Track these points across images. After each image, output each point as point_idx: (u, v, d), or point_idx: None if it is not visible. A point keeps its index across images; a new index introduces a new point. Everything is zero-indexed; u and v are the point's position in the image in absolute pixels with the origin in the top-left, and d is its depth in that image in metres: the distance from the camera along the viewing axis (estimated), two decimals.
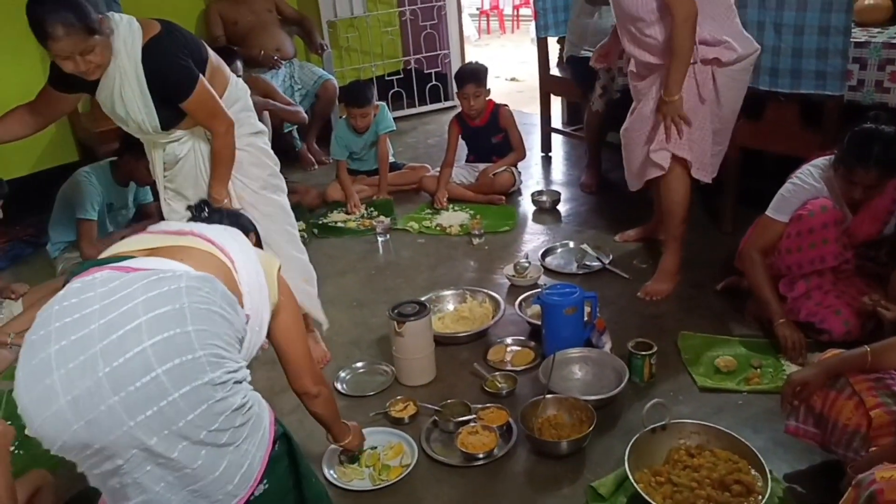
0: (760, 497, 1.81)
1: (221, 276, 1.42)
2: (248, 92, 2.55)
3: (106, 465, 1.26)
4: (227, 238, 1.54)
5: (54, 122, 2.56)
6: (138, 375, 1.21)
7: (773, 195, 2.55)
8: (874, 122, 2.30)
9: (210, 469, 1.30)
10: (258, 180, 2.52)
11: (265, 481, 1.39)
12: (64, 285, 1.37)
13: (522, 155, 4.09)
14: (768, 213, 2.53)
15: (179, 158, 2.44)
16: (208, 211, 1.71)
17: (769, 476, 1.86)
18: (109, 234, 3.52)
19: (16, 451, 2.37)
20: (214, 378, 1.27)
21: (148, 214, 3.71)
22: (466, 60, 5.92)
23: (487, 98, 3.97)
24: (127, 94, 2.24)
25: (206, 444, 1.28)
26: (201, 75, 2.29)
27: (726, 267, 2.97)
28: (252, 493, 1.37)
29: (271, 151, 2.60)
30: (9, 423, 2.44)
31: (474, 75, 3.91)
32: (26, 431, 1.26)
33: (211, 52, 2.41)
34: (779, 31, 2.85)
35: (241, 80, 2.54)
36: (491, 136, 4.05)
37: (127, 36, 2.18)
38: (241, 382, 1.35)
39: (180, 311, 1.27)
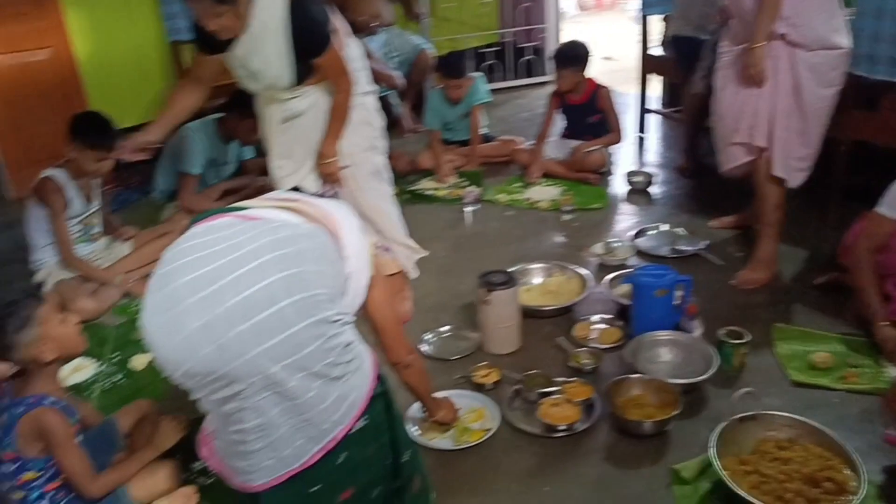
0: (853, 497, 1.76)
1: (330, 236, 1.49)
2: (362, 52, 2.59)
3: (225, 391, 1.34)
4: (333, 206, 1.62)
5: (214, 84, 2.65)
6: (265, 306, 1.29)
7: (883, 190, 2.44)
8: None
9: (320, 399, 1.37)
10: (365, 139, 2.58)
11: (365, 416, 1.47)
12: (188, 228, 1.46)
13: (619, 138, 4.02)
14: (879, 208, 2.42)
15: (298, 115, 2.51)
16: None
17: (864, 478, 1.80)
18: (210, 188, 3.66)
19: (121, 381, 2.52)
20: (329, 316, 1.36)
21: (247, 170, 3.83)
22: (563, 36, 5.85)
23: (587, 77, 3.91)
24: (268, 49, 2.32)
25: (320, 376, 1.36)
26: (331, 43, 2.36)
27: (829, 262, 2.86)
28: (353, 426, 1.44)
29: (378, 112, 2.65)
30: (115, 354, 2.61)
31: (573, 61, 3.85)
32: (153, 357, 1.35)
33: (334, 18, 2.47)
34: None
35: (356, 41, 2.59)
36: (588, 115, 3.99)
37: None
38: (348, 325, 1.44)
39: (299, 252, 1.36)
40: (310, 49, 2.34)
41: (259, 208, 1.50)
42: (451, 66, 4.12)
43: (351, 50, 2.50)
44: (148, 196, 3.89)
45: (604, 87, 3.96)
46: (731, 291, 2.85)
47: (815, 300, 2.74)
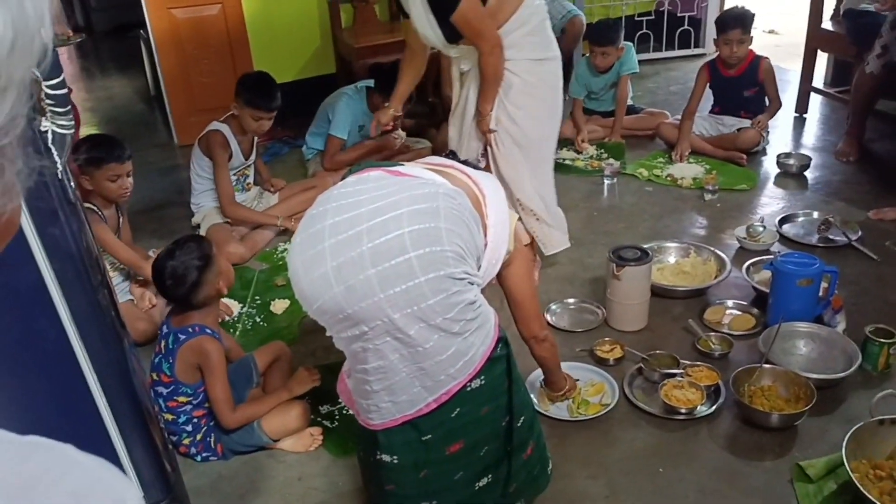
0: None
1: (473, 202, 1.55)
2: (544, 16, 2.59)
3: (353, 331, 1.44)
4: (482, 177, 1.68)
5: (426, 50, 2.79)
6: (394, 254, 1.37)
7: None
8: None
9: (439, 351, 1.44)
10: (523, 108, 2.57)
11: (482, 376, 1.51)
12: (343, 178, 1.60)
13: (779, 105, 3.77)
14: None
15: (463, 73, 2.58)
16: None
17: None
18: (353, 146, 3.80)
19: (261, 323, 2.71)
20: (455, 272, 1.41)
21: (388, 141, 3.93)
22: (727, 6, 5.55)
23: (749, 47, 3.71)
24: (415, 9, 2.40)
25: (440, 329, 1.42)
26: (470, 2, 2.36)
27: None
28: (468, 382, 1.49)
29: (556, 78, 2.63)
30: (257, 297, 2.80)
31: (741, 20, 3.64)
32: (294, 288, 1.48)
33: None
34: None
35: (538, 2, 2.57)
36: (744, 88, 3.77)
37: None
38: (474, 285, 1.48)
39: (436, 209, 1.43)
40: (442, 9, 2.38)
41: (411, 166, 1.59)
42: (599, 32, 4.03)
43: (526, 12, 2.49)
44: (298, 149, 4.09)
45: (765, 58, 3.73)
46: (884, 288, 2.67)
47: None
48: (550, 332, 1.93)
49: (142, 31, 4.55)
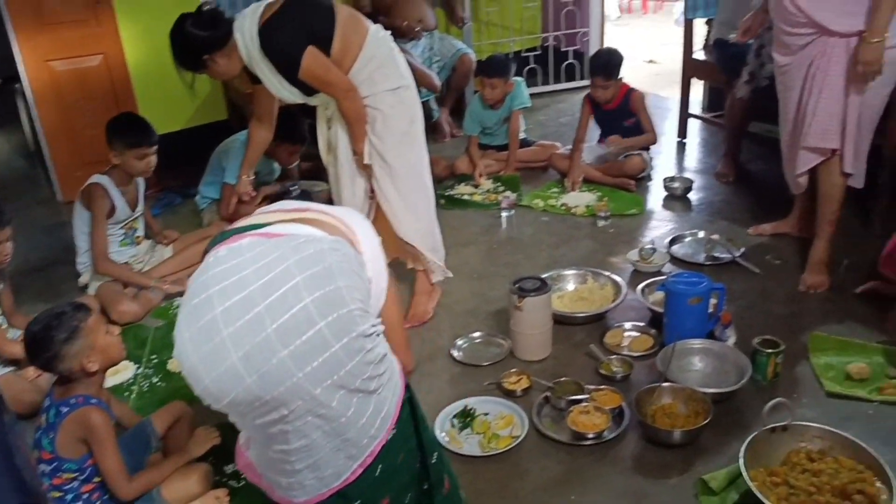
0: None
1: (350, 245, 1.50)
2: (391, 46, 2.63)
3: (271, 416, 1.35)
4: (344, 213, 1.62)
5: (274, 115, 2.93)
6: (303, 329, 1.29)
7: None
8: None
9: (360, 416, 1.39)
10: (390, 137, 2.62)
11: (396, 424, 1.48)
12: (204, 254, 1.48)
13: (654, 139, 3.98)
14: None
15: (330, 118, 2.65)
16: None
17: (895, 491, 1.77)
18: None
19: (158, 383, 2.60)
20: (364, 329, 1.36)
21: (290, 176, 3.91)
22: (606, 40, 5.82)
23: (621, 82, 3.90)
24: (262, 75, 2.48)
25: (360, 391, 1.37)
26: (310, 47, 2.41)
27: (870, 270, 2.79)
28: (387, 437, 1.45)
29: (412, 105, 2.68)
30: (153, 356, 2.68)
31: (604, 68, 3.84)
32: (195, 390, 1.35)
33: (344, 13, 2.52)
34: None
35: (382, 33, 2.62)
36: (622, 119, 3.96)
37: (249, 27, 2.42)
38: (380, 336, 1.45)
39: (329, 269, 1.36)
40: (287, 71, 2.46)
41: (278, 224, 1.49)
42: (489, 65, 4.15)
43: (371, 48, 2.54)
44: (191, 199, 3.98)
45: (636, 90, 3.93)
46: (767, 300, 2.81)
47: (855, 309, 2.69)
48: (412, 367, 1.91)
49: (17, 85, 4.35)
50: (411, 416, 1.57)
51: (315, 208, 1.59)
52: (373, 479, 1.46)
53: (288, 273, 1.33)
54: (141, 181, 3.22)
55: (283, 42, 2.42)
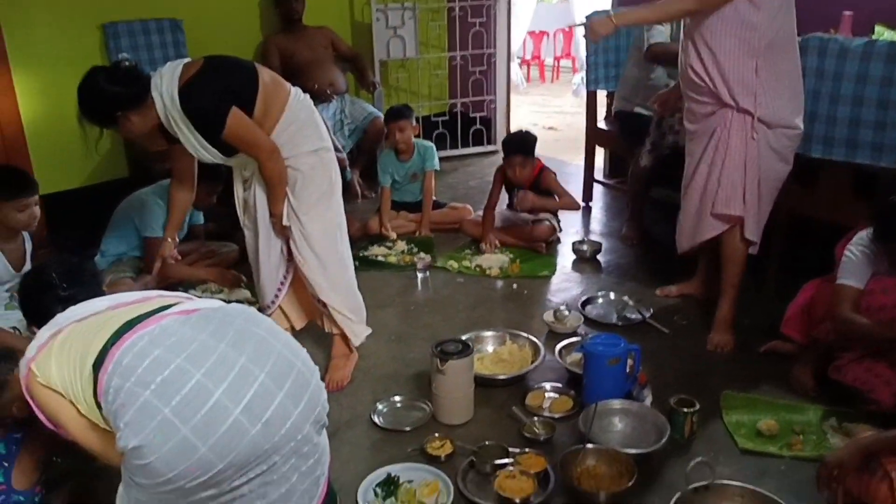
0: None
1: None
2: (312, 109, 2.63)
3: (257, 469, 1.35)
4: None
5: (193, 172, 2.82)
6: (287, 370, 1.38)
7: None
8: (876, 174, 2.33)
9: (325, 448, 1.51)
10: (309, 198, 2.60)
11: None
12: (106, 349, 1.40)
13: (575, 206, 4.08)
14: (843, 281, 2.46)
15: (247, 179, 2.60)
16: (49, 276, 1.75)
17: None
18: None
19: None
20: (316, 371, 1.49)
21: (196, 235, 3.77)
22: (513, 107, 6.02)
23: (536, 160, 4.02)
24: (181, 135, 2.41)
25: (322, 423, 1.50)
26: (234, 108, 2.38)
27: (770, 330, 2.94)
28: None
29: (331, 167, 2.67)
30: None
31: (522, 146, 3.95)
32: (173, 472, 1.27)
33: (266, 76, 2.50)
34: (835, 102, 2.87)
35: (302, 96, 2.61)
36: (535, 189, 4.05)
37: (168, 85, 2.35)
38: None
39: (269, 322, 1.50)
40: (209, 132, 2.41)
41: (180, 304, 1.52)
42: (391, 111, 4.25)
43: (292, 112, 2.53)
44: (89, 260, 3.76)
45: (548, 169, 4.03)
46: (677, 359, 2.91)
47: (760, 368, 2.81)
48: None
49: None
50: None
51: (152, 296, 1.61)
52: None
53: (246, 329, 1.39)
54: (27, 239, 3.03)
55: (205, 103, 2.36)
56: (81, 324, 1.50)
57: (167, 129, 2.43)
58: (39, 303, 1.72)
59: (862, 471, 1.87)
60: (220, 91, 2.37)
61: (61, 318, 1.53)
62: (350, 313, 2.77)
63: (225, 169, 2.76)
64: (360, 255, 3.93)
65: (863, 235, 2.47)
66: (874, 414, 2.39)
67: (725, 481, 2.07)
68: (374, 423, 2.54)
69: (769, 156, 2.77)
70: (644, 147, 3.86)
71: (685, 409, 2.38)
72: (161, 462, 1.25)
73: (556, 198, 4.03)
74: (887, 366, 2.39)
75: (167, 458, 1.24)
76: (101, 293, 1.74)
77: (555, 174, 4.04)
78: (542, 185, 4.01)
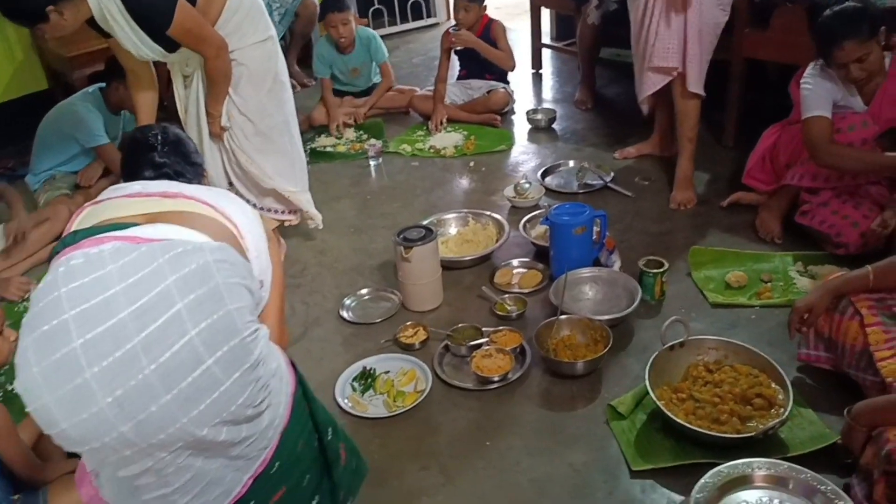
0: (783, 409, 1.81)
1: (232, 243, 1.29)
2: (259, 2, 2.46)
3: (144, 463, 1.15)
4: (223, 200, 1.39)
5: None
6: (190, 368, 1.09)
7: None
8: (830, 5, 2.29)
9: (250, 437, 1.22)
10: (252, 99, 2.45)
11: (290, 418, 1.33)
12: (50, 259, 1.21)
13: (511, 63, 3.85)
14: (813, 113, 2.37)
15: (188, 77, 2.42)
16: (153, 136, 1.58)
17: (790, 388, 1.85)
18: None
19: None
20: (257, 357, 1.18)
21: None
22: None
23: (485, 9, 3.79)
24: (120, 31, 2.19)
25: (249, 419, 1.20)
26: (181, 0, 2.18)
27: (731, 182, 2.92)
28: (280, 439, 1.30)
29: (277, 58, 2.53)
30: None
31: None
32: (45, 431, 1.10)
33: None
34: None
35: None
36: None
37: None
38: (269, 350, 1.26)
39: (216, 289, 1.14)
40: (154, 27, 2.20)
41: (147, 226, 1.23)
42: (330, 1, 3.95)
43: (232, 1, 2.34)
44: (20, 180, 3.54)
45: (496, 20, 3.84)
46: (643, 221, 2.88)
47: (725, 221, 2.80)
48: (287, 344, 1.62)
49: None
50: (304, 398, 1.44)
51: (187, 193, 1.35)
52: (268, 479, 1.31)
53: (167, 296, 1.09)
54: None
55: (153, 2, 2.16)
56: (97, 206, 1.33)
57: (101, 24, 2.19)
58: (132, 159, 1.57)
59: (832, 311, 1.89)
60: None
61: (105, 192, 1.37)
62: (299, 191, 2.73)
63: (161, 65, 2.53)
64: (308, 147, 3.76)
65: (812, 66, 2.41)
66: (841, 257, 2.41)
67: (698, 336, 2.08)
68: (344, 319, 2.49)
69: (708, 2, 2.65)
70: (591, 3, 3.68)
71: (654, 271, 2.37)
72: (35, 416, 1.09)
73: (502, 50, 3.82)
74: (853, 207, 2.39)
75: (37, 415, 1.08)
76: (197, 174, 1.59)
77: (504, 28, 3.84)
78: (492, 35, 3.81)
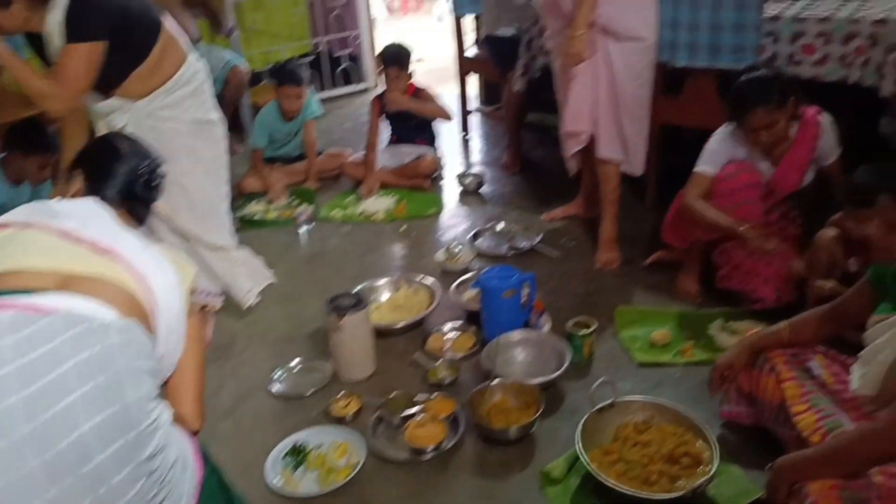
0: (710, 467, 1.85)
1: (141, 319, 1.23)
2: (209, 83, 2.52)
3: None
4: (151, 265, 1.30)
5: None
6: (75, 467, 1.03)
7: (692, 169, 2.60)
8: (746, 73, 2.44)
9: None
10: (189, 174, 2.46)
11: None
12: None
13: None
14: (697, 168, 2.56)
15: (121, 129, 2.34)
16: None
17: (715, 446, 1.90)
18: None
19: None
20: (153, 450, 1.13)
21: None
22: (376, 41, 5.82)
23: (412, 76, 3.89)
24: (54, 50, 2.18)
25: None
26: (98, 44, 2.15)
27: (652, 242, 3.02)
28: None
29: (219, 145, 2.58)
30: None
31: (397, 58, 3.80)
32: None
33: (171, 27, 2.34)
34: (695, 6, 2.89)
35: (201, 68, 2.49)
36: (413, 117, 3.95)
37: None
38: (168, 443, 1.19)
39: (117, 378, 1.09)
40: (68, 34, 2.16)
41: (52, 293, 1.15)
42: (289, 72, 3.97)
43: (187, 73, 2.40)
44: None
45: (422, 88, 3.94)
46: (570, 282, 2.94)
47: (648, 280, 2.89)
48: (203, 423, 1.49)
49: None
50: (219, 488, 1.37)
51: (118, 250, 1.26)
52: None
53: (63, 384, 1.04)
54: None
55: (80, 14, 2.13)
56: None
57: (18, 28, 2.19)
58: (103, 165, 1.58)
59: (751, 367, 1.95)
60: (106, 16, 2.15)
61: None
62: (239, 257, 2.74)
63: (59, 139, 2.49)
64: (237, 215, 3.73)
65: (725, 126, 2.56)
66: (759, 312, 2.51)
67: (627, 397, 2.12)
68: (272, 393, 2.44)
69: (622, 73, 2.79)
70: (516, 71, 3.81)
71: (582, 332, 2.42)
72: None
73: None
74: (765, 265, 2.50)
75: None
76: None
77: (431, 94, 3.93)
78: (421, 98, 3.90)
